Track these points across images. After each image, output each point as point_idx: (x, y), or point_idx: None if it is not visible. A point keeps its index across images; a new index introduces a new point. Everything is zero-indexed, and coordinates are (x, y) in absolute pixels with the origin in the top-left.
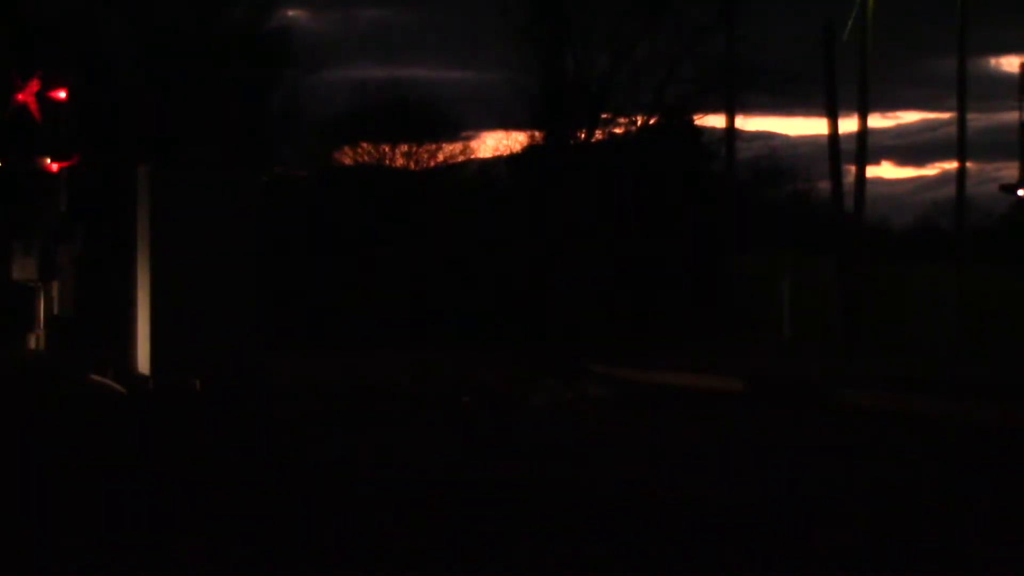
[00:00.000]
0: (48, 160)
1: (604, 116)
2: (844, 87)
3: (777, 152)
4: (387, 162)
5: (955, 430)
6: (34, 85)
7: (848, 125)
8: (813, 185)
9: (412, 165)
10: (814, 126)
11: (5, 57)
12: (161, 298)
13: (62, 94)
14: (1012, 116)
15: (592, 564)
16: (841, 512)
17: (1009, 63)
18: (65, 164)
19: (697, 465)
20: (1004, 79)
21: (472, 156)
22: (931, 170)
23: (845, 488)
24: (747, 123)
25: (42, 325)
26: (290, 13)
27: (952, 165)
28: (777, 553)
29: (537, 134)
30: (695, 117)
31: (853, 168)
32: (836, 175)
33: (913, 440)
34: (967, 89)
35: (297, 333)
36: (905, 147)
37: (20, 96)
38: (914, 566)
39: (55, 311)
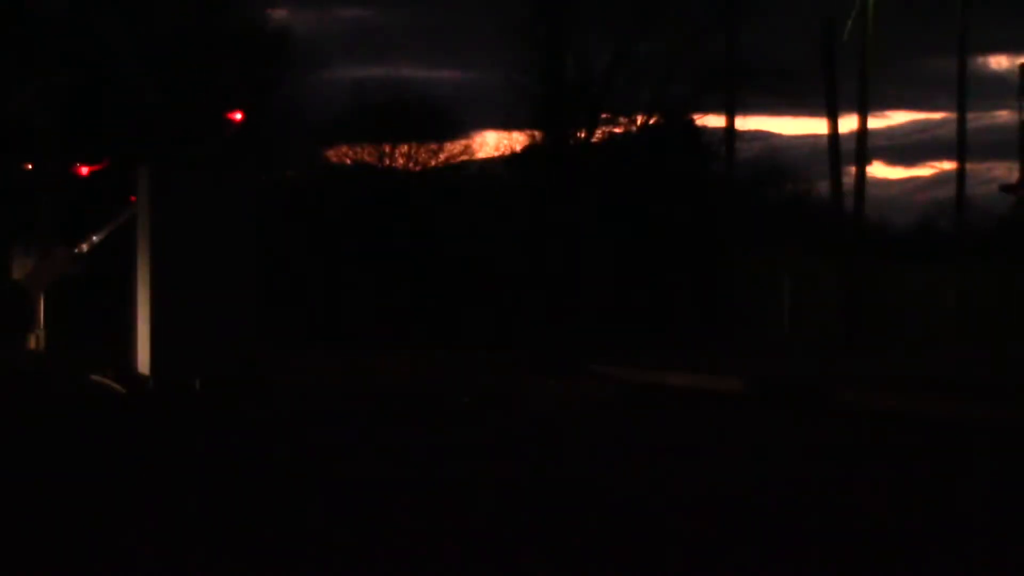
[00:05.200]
0: (78, 164)
1: (604, 116)
2: (841, 87)
3: (777, 152)
4: (387, 162)
5: (955, 430)
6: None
7: (846, 125)
8: (812, 185)
9: (412, 165)
10: (814, 126)
11: (5, 57)
12: (161, 298)
13: (238, 116)
14: (1005, 116)
15: (591, 563)
16: (841, 512)
17: (999, 62)
18: (96, 168)
19: (697, 466)
20: (997, 79)
21: (472, 156)
22: (924, 170)
23: (845, 489)
24: (747, 123)
25: (42, 325)
26: (290, 13)
27: (945, 165)
28: (775, 552)
29: (537, 134)
30: (695, 117)
31: (852, 168)
32: (836, 175)
33: (913, 440)
34: (965, 89)
35: (298, 333)
36: (897, 147)
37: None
38: (913, 566)
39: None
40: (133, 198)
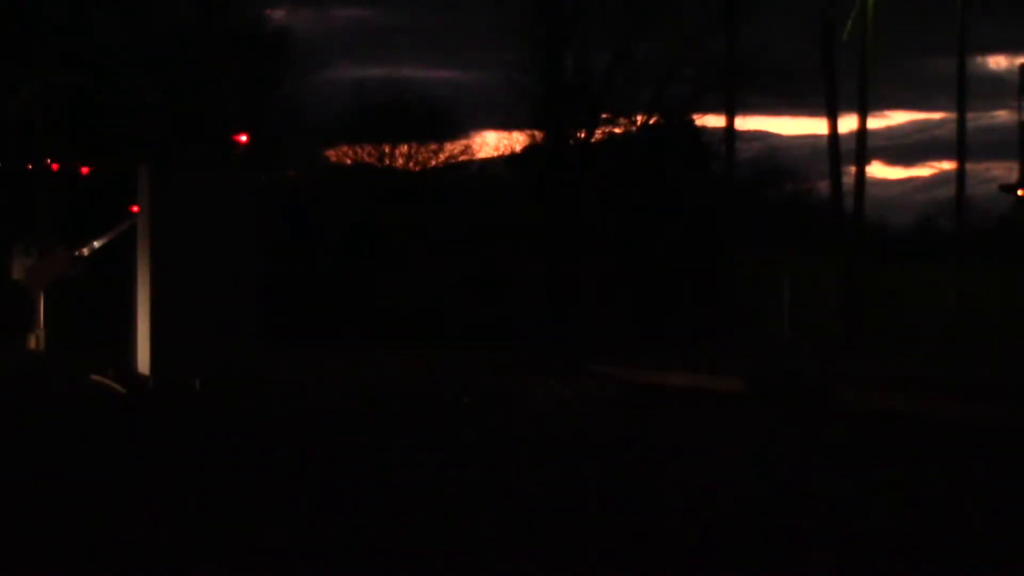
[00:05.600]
0: (48, 161)
1: (604, 116)
2: (841, 87)
3: (777, 152)
4: (387, 162)
5: (955, 430)
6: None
7: (846, 125)
8: (813, 185)
9: (412, 165)
10: (814, 126)
11: (5, 57)
12: (161, 298)
13: (243, 138)
14: (1005, 116)
15: (592, 563)
16: (840, 511)
17: (998, 62)
18: (90, 168)
19: (698, 466)
20: (997, 79)
21: (472, 156)
22: (923, 170)
23: (845, 488)
24: (747, 123)
25: (42, 325)
26: (290, 13)
27: (943, 165)
28: (775, 551)
29: (537, 134)
30: (695, 117)
31: (852, 168)
32: (836, 175)
33: (913, 440)
34: (965, 90)
35: (298, 333)
36: (897, 147)
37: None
38: (913, 565)
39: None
40: (135, 208)
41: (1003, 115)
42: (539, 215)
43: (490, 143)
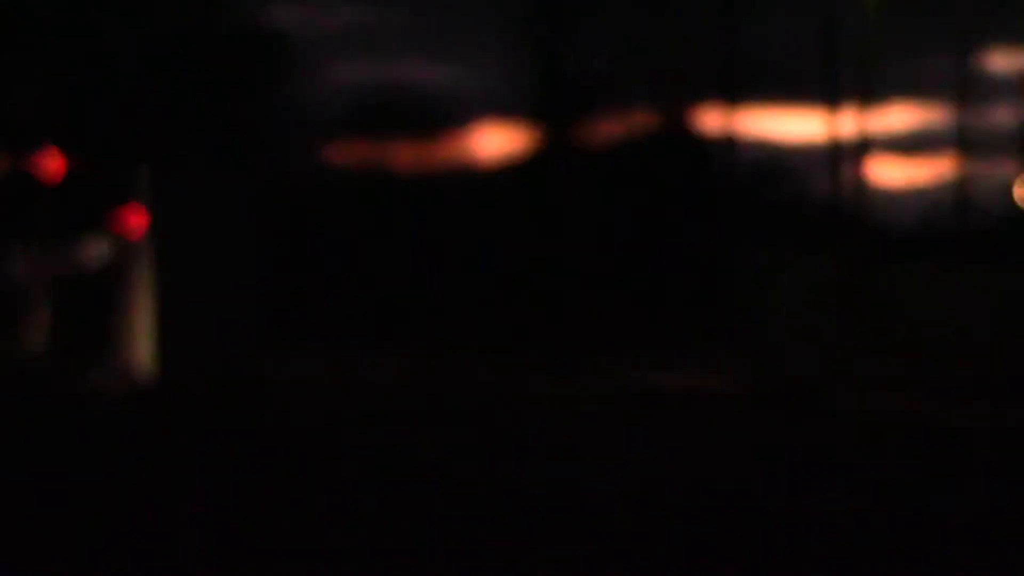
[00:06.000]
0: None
1: (604, 116)
2: (842, 87)
3: (777, 152)
4: (387, 162)
5: (956, 431)
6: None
7: (846, 125)
8: (813, 185)
9: (412, 165)
10: (814, 125)
11: (5, 57)
12: (162, 298)
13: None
14: (1003, 115)
15: (591, 564)
16: (842, 515)
17: (999, 62)
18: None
19: (696, 467)
20: (997, 79)
21: (472, 156)
22: (923, 170)
23: (846, 491)
24: (747, 122)
25: (42, 325)
26: (289, 13)
27: (944, 165)
28: (774, 556)
29: (537, 134)
30: (695, 117)
31: (852, 168)
32: (836, 175)
33: (914, 441)
34: (964, 89)
35: (298, 333)
36: (896, 147)
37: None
38: (914, 571)
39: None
40: (129, 218)
41: (1003, 114)
42: (538, 214)
43: (490, 143)
